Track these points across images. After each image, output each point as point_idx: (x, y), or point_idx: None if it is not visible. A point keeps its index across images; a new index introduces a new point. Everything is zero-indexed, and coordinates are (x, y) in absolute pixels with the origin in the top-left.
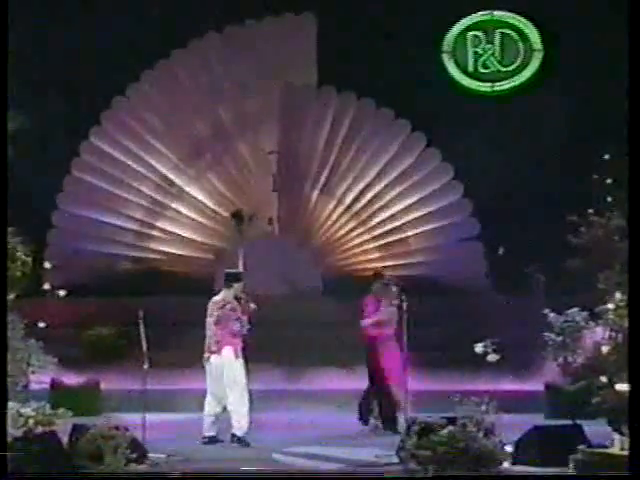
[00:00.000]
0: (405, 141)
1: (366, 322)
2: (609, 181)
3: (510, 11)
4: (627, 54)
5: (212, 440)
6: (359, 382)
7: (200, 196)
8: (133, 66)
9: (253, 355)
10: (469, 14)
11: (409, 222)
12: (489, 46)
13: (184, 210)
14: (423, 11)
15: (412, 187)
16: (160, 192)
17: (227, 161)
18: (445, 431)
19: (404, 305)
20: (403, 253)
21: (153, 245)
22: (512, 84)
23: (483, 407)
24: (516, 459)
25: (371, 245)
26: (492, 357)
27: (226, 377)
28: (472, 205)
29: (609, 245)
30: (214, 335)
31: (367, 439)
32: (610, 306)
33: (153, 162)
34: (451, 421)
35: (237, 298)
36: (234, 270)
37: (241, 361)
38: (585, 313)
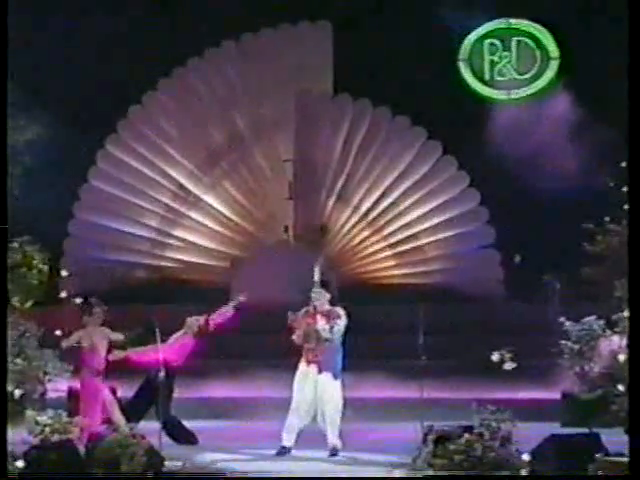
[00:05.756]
0: (421, 149)
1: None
2: (625, 189)
3: (527, 19)
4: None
5: (288, 450)
6: (373, 389)
7: (216, 204)
8: (149, 75)
9: (271, 361)
10: (486, 22)
11: (425, 230)
12: (505, 54)
13: (200, 218)
14: (439, 19)
15: (428, 195)
16: (176, 200)
17: (243, 169)
18: (462, 440)
19: None
20: (419, 261)
21: (169, 253)
22: (528, 92)
23: (500, 415)
24: (533, 468)
25: (387, 253)
26: (508, 365)
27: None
28: (488, 213)
29: (625, 253)
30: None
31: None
32: (626, 314)
33: (169, 170)
34: (468, 429)
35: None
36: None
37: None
38: (602, 321)
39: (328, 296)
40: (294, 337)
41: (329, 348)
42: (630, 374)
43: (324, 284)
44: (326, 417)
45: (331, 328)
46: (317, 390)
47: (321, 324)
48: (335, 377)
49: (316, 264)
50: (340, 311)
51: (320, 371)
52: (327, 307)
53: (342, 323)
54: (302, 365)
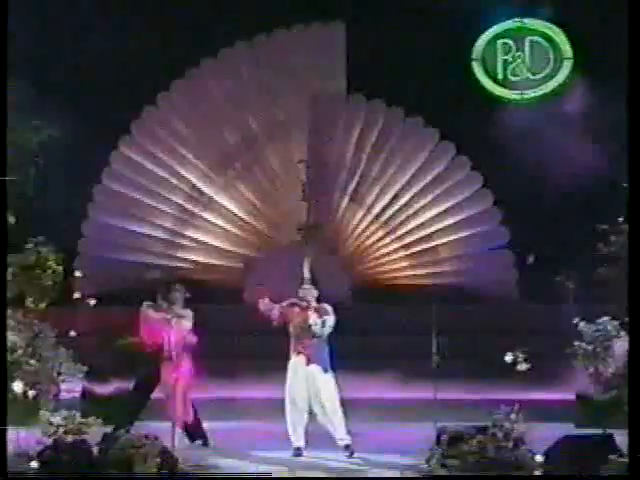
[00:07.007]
0: (434, 149)
1: None
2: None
3: (541, 19)
4: None
5: (300, 451)
6: (385, 389)
7: (229, 205)
8: (163, 76)
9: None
10: (499, 22)
11: (438, 231)
12: (519, 54)
13: (213, 219)
14: (453, 18)
15: (441, 195)
16: (190, 201)
17: (256, 170)
18: (475, 440)
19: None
20: (432, 262)
21: (183, 254)
22: (542, 92)
23: (513, 416)
24: (546, 469)
25: (400, 254)
26: (522, 366)
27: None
28: (502, 213)
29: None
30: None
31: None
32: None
33: (183, 171)
34: (481, 430)
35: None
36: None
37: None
38: (616, 322)
39: (316, 293)
40: (290, 329)
41: (317, 342)
42: (630, 374)
43: (314, 281)
44: (329, 414)
45: (323, 323)
46: (308, 384)
47: (313, 319)
48: (325, 370)
49: (305, 261)
50: (328, 307)
51: (308, 363)
52: (315, 304)
53: (332, 319)
54: (293, 356)
